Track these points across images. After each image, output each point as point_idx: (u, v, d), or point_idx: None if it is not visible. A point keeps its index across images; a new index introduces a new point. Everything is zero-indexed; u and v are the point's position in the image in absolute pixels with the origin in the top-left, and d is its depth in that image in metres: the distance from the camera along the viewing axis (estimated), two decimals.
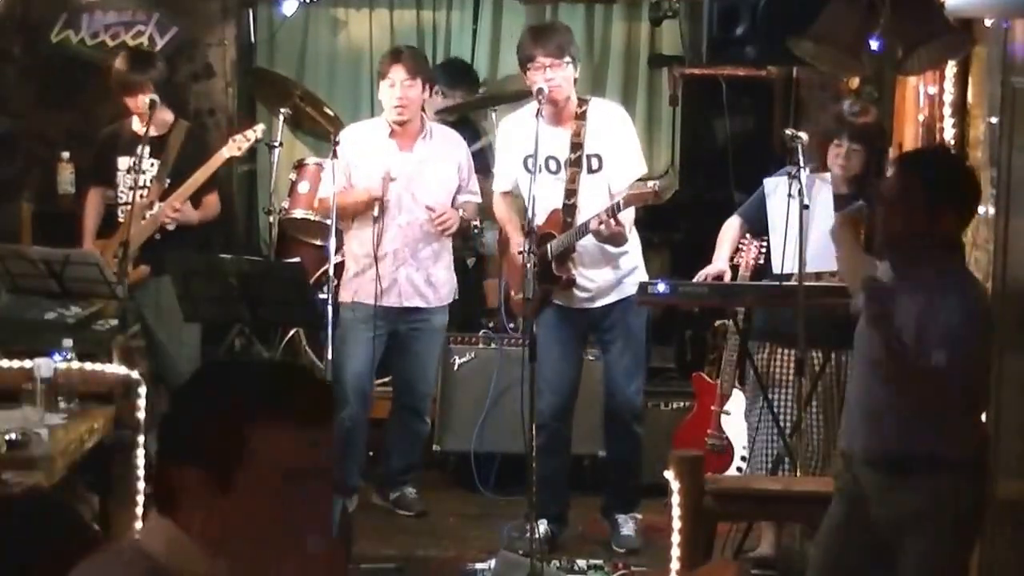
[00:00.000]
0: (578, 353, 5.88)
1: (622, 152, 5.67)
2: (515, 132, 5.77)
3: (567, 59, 5.55)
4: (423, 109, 6.15)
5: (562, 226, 5.62)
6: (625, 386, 5.84)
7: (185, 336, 6.30)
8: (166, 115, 6.38)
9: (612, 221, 5.41)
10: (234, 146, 6.27)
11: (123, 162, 6.29)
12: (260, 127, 6.50)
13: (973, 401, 3.86)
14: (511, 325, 6.63)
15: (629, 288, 5.73)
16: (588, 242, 5.60)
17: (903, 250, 3.88)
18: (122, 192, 6.31)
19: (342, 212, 5.82)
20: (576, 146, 5.65)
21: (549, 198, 5.61)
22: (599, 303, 5.77)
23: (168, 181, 6.27)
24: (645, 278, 5.86)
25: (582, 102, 5.71)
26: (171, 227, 6.25)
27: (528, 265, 5.37)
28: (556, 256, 5.62)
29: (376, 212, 5.88)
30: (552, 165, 5.64)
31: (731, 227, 5.59)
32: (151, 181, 6.28)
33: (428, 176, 5.97)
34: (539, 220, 5.69)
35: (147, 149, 6.27)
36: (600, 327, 5.84)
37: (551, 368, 5.67)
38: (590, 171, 5.67)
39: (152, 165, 6.29)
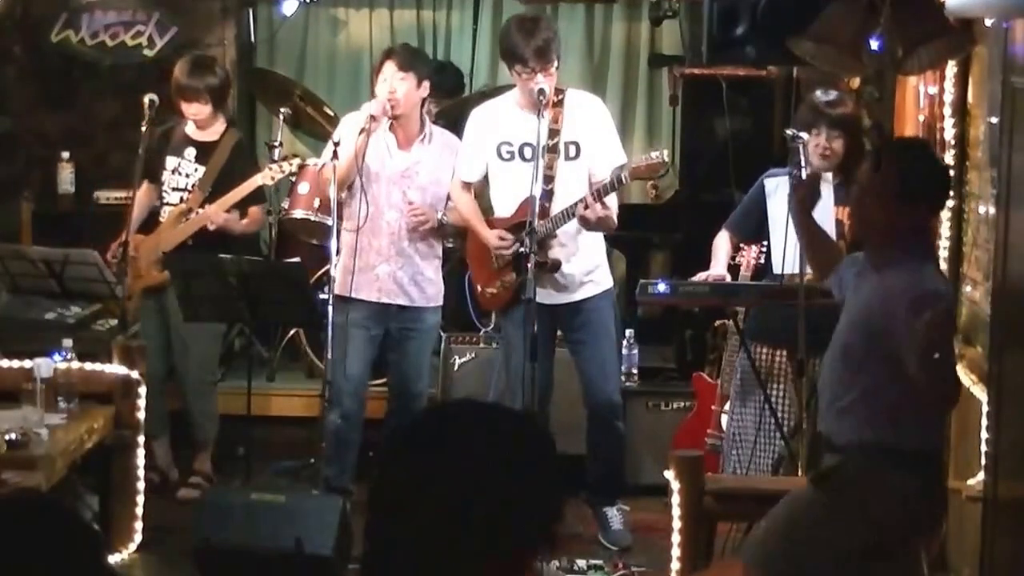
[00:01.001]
0: (550, 350, 5.83)
1: (602, 140, 5.65)
2: (489, 121, 5.76)
3: (555, 64, 5.55)
4: (424, 110, 6.14)
5: (541, 212, 5.52)
6: (604, 385, 5.81)
7: (206, 339, 6.30)
8: (218, 123, 6.36)
9: (599, 206, 5.40)
10: (268, 174, 6.24)
11: (170, 162, 6.28)
12: (296, 160, 6.40)
13: (915, 396, 3.81)
14: (490, 327, 6.61)
15: (596, 286, 5.74)
16: (563, 229, 5.59)
17: (872, 239, 3.96)
18: (165, 191, 6.30)
19: (341, 175, 5.78)
20: (554, 132, 5.63)
21: (522, 186, 5.54)
22: (568, 299, 5.73)
23: (210, 189, 6.25)
24: (610, 275, 5.87)
25: (559, 91, 5.69)
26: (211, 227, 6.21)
27: (529, 265, 5.36)
28: (538, 241, 5.51)
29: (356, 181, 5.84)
30: (527, 152, 5.61)
31: (722, 239, 5.57)
32: (193, 187, 6.26)
33: (422, 178, 5.96)
34: (511, 209, 5.70)
35: (194, 152, 6.26)
36: (571, 325, 5.81)
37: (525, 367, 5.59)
38: (567, 158, 5.65)
39: (196, 170, 6.28)
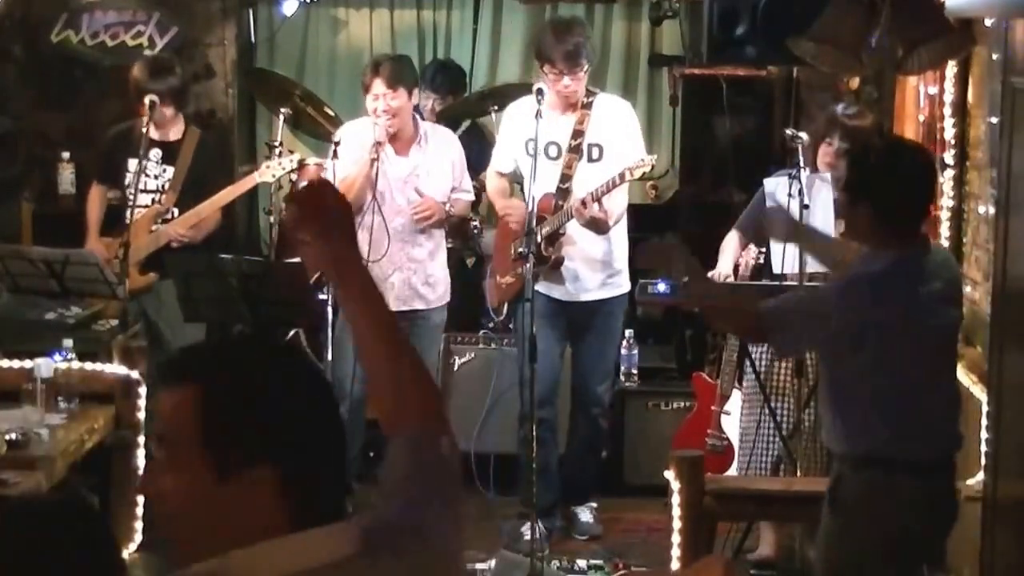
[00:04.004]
0: (561, 344, 5.88)
1: (626, 144, 5.71)
2: (520, 117, 5.81)
3: (583, 68, 5.62)
4: (419, 113, 6.15)
5: (553, 209, 5.65)
6: (596, 380, 5.89)
7: (189, 336, 6.29)
8: (178, 121, 6.36)
9: (596, 205, 5.45)
10: (268, 172, 6.22)
11: (133, 164, 6.26)
12: (296, 156, 6.36)
13: (914, 404, 3.78)
14: (502, 317, 6.60)
15: (614, 288, 5.78)
16: (579, 228, 5.64)
17: (858, 242, 3.96)
18: (131, 195, 6.29)
19: (350, 193, 5.79)
20: (578, 133, 5.70)
21: (545, 183, 5.66)
22: (583, 297, 5.78)
23: (181, 188, 6.24)
24: (628, 280, 5.90)
25: (589, 93, 5.79)
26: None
27: (528, 265, 5.39)
28: (546, 237, 5.67)
29: (367, 207, 5.85)
30: (552, 151, 5.69)
31: (731, 241, 5.58)
32: (165, 187, 6.25)
33: (424, 180, 5.98)
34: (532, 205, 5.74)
35: (159, 153, 6.26)
36: (581, 323, 5.85)
37: (537, 356, 5.62)
38: (590, 160, 5.71)
39: (165, 171, 6.27)
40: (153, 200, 6.25)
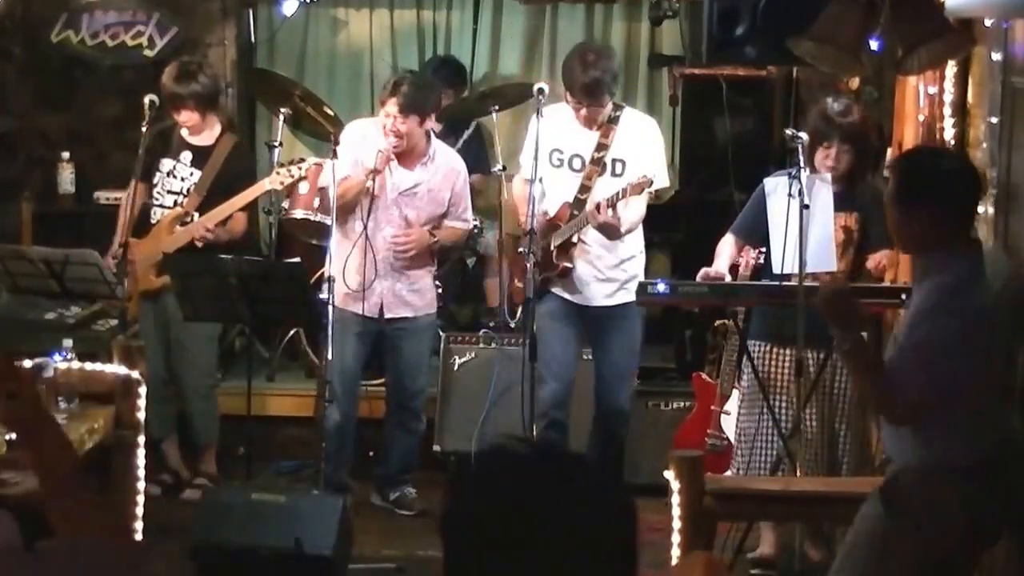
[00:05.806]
0: (575, 345, 5.93)
1: (648, 162, 5.71)
2: (546, 126, 5.78)
3: (604, 101, 5.65)
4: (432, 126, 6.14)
5: (567, 218, 5.73)
6: (618, 392, 5.93)
7: (203, 342, 6.31)
8: (213, 127, 6.35)
9: (609, 211, 5.48)
10: (277, 179, 6.21)
11: (165, 164, 6.28)
12: (305, 165, 6.28)
13: (961, 408, 3.74)
14: (512, 323, 6.62)
15: (627, 295, 5.79)
16: (594, 236, 5.70)
17: (909, 252, 3.92)
18: (158, 194, 6.30)
19: (342, 200, 5.81)
20: (602, 147, 5.73)
21: (564, 193, 5.75)
22: (599, 303, 5.80)
23: (205, 194, 6.24)
24: None
25: (617, 107, 5.80)
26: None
27: (528, 265, 5.42)
28: (558, 245, 5.74)
29: (366, 219, 5.85)
30: (576, 163, 5.75)
31: (726, 243, 5.58)
32: (190, 191, 6.25)
33: (421, 198, 5.99)
34: (551, 213, 5.82)
35: (190, 156, 6.26)
36: (600, 328, 5.88)
37: (552, 355, 5.75)
38: (613, 175, 5.74)
39: (192, 174, 6.27)
40: (175, 202, 6.25)
